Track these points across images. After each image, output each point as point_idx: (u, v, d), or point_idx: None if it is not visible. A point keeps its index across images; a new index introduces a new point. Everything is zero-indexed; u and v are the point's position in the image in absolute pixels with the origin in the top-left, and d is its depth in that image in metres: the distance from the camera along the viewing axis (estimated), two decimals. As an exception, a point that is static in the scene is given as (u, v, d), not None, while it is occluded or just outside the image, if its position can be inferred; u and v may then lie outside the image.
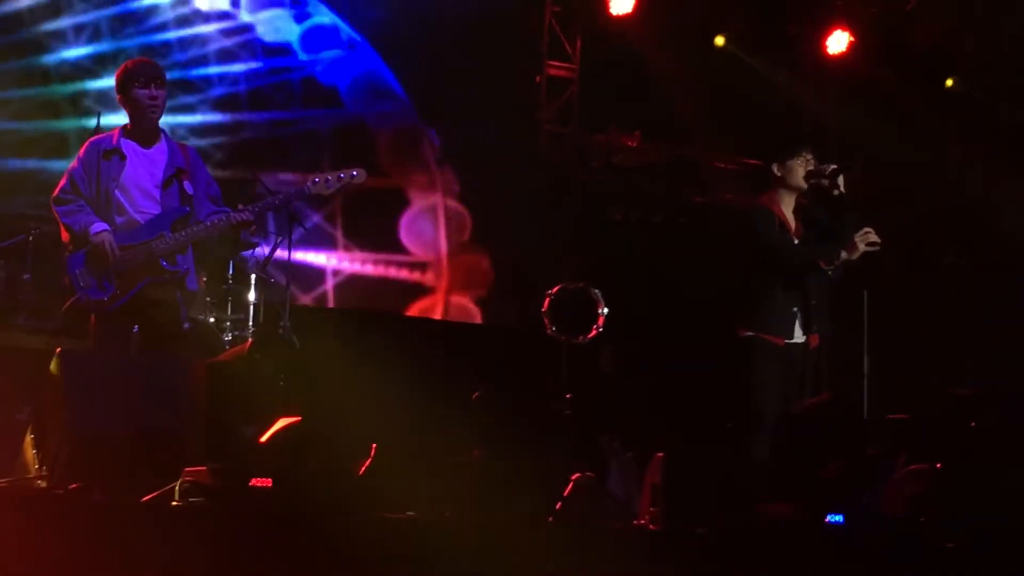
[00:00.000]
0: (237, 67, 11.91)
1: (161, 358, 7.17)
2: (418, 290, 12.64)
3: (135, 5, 11.52)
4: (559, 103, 12.65)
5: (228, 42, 11.87)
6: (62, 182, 7.23)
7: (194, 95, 11.60)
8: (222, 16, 11.88)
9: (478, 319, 12.72)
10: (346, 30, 12.38)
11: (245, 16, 11.99)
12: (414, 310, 12.60)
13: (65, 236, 7.23)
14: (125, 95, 7.30)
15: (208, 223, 7.27)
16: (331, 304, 12.28)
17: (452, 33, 12.14)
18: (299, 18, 12.27)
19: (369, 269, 12.44)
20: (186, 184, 7.30)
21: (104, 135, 7.43)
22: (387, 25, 12.38)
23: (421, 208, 12.63)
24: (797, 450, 6.85)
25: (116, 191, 7.19)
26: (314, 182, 7.35)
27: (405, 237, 12.59)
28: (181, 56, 11.62)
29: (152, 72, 7.33)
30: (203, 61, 11.73)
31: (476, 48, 12.16)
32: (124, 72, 7.34)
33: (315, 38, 12.29)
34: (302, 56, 12.22)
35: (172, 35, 11.61)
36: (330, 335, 10.69)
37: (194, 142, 11.45)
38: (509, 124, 12.47)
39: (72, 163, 7.31)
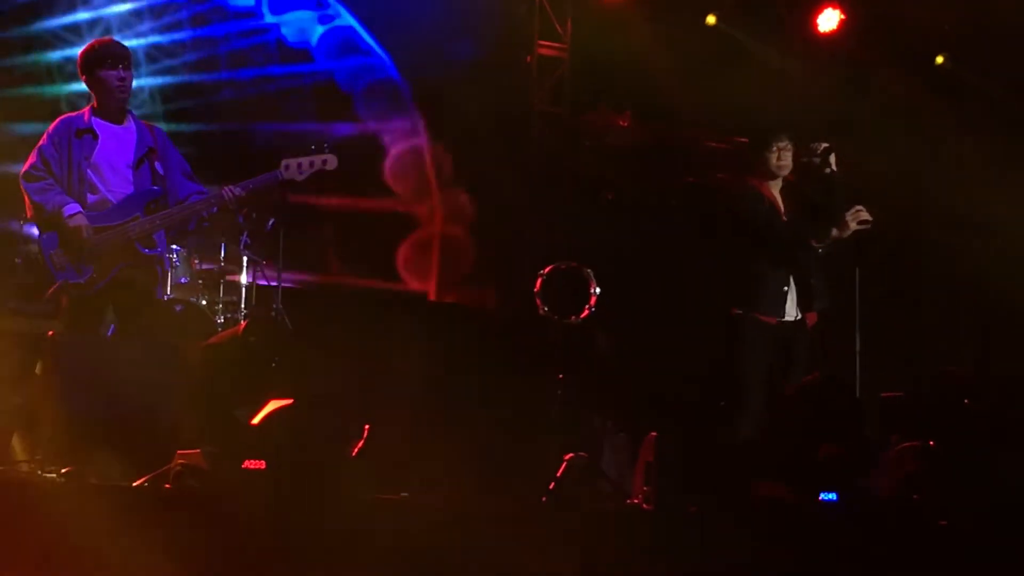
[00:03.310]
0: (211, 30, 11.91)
1: (152, 341, 7.16)
2: (413, 224, 12.63)
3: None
4: (550, 83, 12.62)
5: (199, 8, 11.86)
6: (32, 159, 7.17)
7: (173, 59, 11.58)
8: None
9: (470, 251, 12.68)
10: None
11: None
12: (411, 242, 12.57)
13: (30, 212, 7.19)
14: (91, 76, 7.24)
15: (185, 205, 7.25)
16: (334, 244, 12.21)
17: (440, 10, 12.13)
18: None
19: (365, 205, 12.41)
20: (157, 164, 7.28)
21: (75, 114, 7.37)
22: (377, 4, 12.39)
23: (404, 151, 12.60)
24: (790, 429, 6.86)
25: (88, 170, 7.15)
26: (286, 167, 7.31)
27: (391, 180, 12.56)
28: (155, 23, 11.62)
29: (120, 53, 7.28)
30: (177, 27, 11.71)
31: (466, 27, 12.14)
32: (90, 53, 7.28)
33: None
34: (269, 18, 12.18)
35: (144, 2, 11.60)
36: (323, 317, 10.68)
37: (183, 103, 11.49)
38: (499, 104, 12.44)
39: (41, 140, 7.24)
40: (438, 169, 12.71)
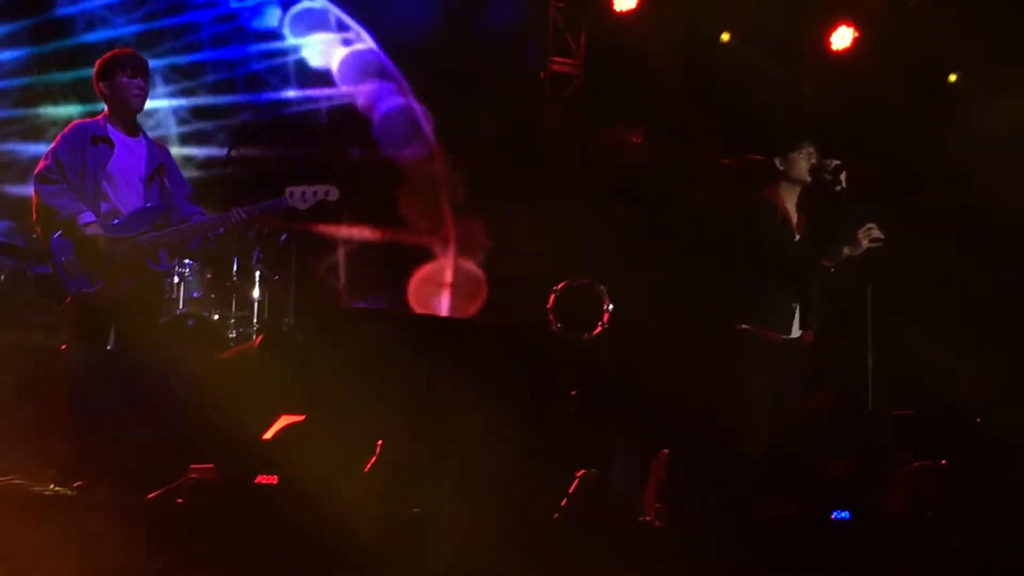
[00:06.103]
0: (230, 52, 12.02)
1: (164, 355, 7.15)
2: (426, 255, 12.68)
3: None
4: (563, 99, 12.64)
5: (219, 28, 11.97)
6: (47, 161, 7.10)
7: (191, 80, 11.70)
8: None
9: (484, 285, 12.69)
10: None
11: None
12: (424, 272, 12.61)
13: (36, 215, 7.15)
14: (110, 81, 7.21)
15: (192, 223, 7.25)
16: (343, 273, 12.26)
17: (454, 26, 12.17)
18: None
19: (379, 236, 12.44)
20: (166, 181, 7.28)
21: (90, 120, 7.32)
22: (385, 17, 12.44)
23: (420, 179, 12.63)
24: (802, 448, 6.85)
25: (103, 179, 7.13)
26: (290, 195, 7.32)
27: (406, 210, 12.60)
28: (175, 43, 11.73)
29: (140, 64, 7.29)
30: (197, 47, 11.83)
31: (479, 43, 12.17)
32: (111, 58, 7.28)
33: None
34: (290, 40, 12.27)
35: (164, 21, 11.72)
36: (335, 332, 10.69)
37: (198, 124, 11.55)
38: (512, 120, 12.46)
39: (54, 143, 7.20)
40: (451, 189, 12.72)
